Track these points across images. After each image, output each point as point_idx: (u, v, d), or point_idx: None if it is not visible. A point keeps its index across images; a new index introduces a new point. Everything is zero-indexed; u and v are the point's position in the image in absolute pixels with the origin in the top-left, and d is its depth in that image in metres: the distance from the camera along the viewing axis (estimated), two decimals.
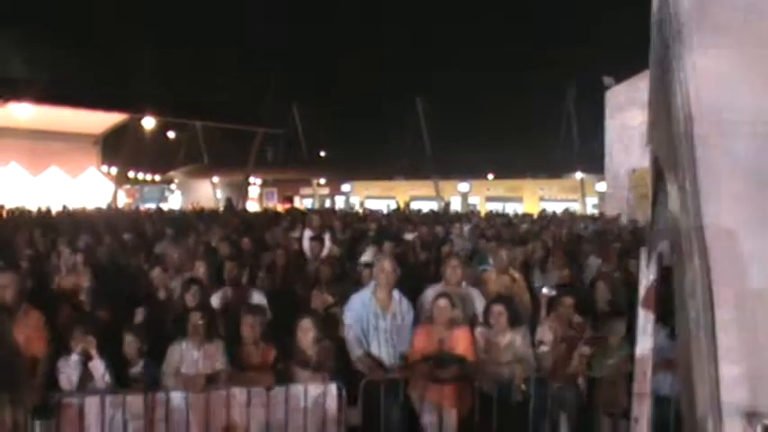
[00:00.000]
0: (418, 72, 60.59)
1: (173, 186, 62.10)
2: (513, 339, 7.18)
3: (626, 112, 29.96)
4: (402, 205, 45.13)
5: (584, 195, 49.24)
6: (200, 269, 9.10)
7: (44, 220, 21.07)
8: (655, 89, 2.62)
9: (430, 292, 7.74)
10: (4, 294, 6.56)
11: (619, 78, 31.96)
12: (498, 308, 7.24)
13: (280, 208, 45.88)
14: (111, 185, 42.64)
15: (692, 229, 1.95)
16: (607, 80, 32.97)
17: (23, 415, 5.34)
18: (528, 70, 55.97)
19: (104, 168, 47.61)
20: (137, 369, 6.68)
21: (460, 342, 6.97)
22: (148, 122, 40.43)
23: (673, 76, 2.04)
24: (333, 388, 6.48)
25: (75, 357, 6.34)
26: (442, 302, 7.08)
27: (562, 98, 52.85)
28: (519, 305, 8.06)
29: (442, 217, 28.08)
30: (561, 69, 51.15)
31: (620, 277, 10.04)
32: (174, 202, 56.40)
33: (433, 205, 46.74)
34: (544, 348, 7.23)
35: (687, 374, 1.93)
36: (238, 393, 6.31)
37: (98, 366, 6.29)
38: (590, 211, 44.83)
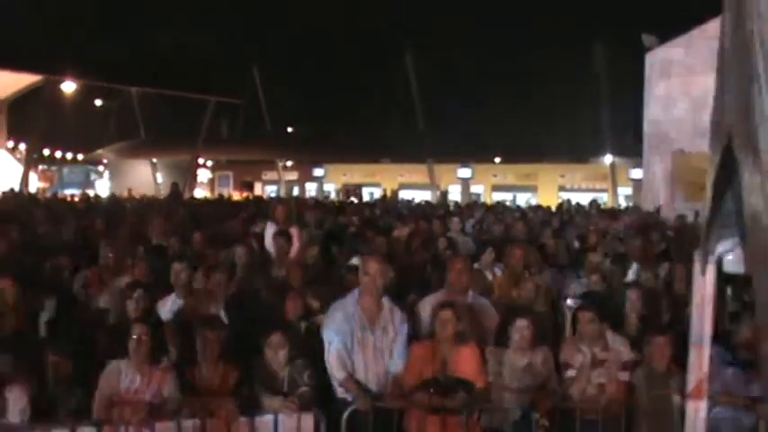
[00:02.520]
0: (410, 31, 60.42)
1: (101, 168, 61.88)
2: (532, 361, 7.21)
3: (673, 80, 29.85)
4: (389, 194, 45.21)
5: (614, 184, 49.36)
6: (141, 271, 9.10)
7: None
8: (730, 41, 2.63)
9: (429, 302, 7.76)
10: None
11: (663, 37, 31.67)
12: (521, 323, 7.26)
13: (236, 196, 45.82)
14: (19, 166, 42.39)
15: None
16: (647, 39, 32.37)
17: None
18: (544, 27, 56.08)
19: (11, 144, 47.27)
20: (59, 396, 6.66)
21: (468, 363, 6.98)
22: (68, 87, 40.26)
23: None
24: (309, 418, 6.50)
25: None
26: (446, 314, 7.08)
27: (589, 61, 52.81)
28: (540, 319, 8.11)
29: (438, 209, 28.12)
30: (587, 25, 51.19)
31: (660, 286, 10.10)
32: (103, 187, 56.21)
33: (428, 195, 46.82)
34: (571, 373, 7.25)
35: None
36: (192, 425, 6.32)
37: (16, 394, 6.25)
38: (622, 203, 44.95)
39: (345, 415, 6.63)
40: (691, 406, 4.36)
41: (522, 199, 46.03)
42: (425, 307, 7.76)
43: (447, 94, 57.22)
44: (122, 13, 54.06)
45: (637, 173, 41.52)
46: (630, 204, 38.07)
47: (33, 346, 7.26)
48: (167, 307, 8.34)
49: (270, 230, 12.84)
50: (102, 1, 50.94)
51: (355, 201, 36.94)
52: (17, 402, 6.24)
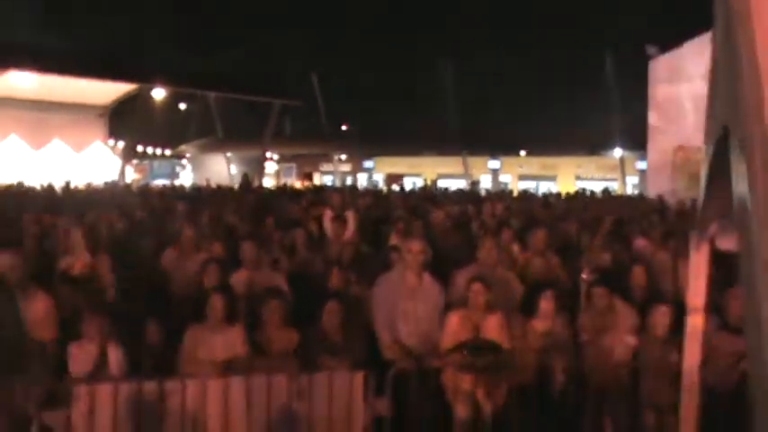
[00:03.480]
0: (448, 42, 60.25)
1: (184, 161, 62.30)
2: (552, 327, 7.17)
3: (672, 84, 29.70)
4: (429, 183, 45.06)
5: (623, 174, 48.91)
6: (217, 249, 9.15)
7: (49, 197, 21.19)
8: (721, 45, 2.59)
9: (463, 275, 7.73)
10: (10, 275, 6.59)
11: (663, 47, 31.60)
12: (545, 294, 7.23)
13: (298, 185, 45.91)
14: (118, 160, 42.76)
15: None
16: (651, 49, 32.54)
17: (33, 402, 5.42)
18: (564, 38, 55.67)
19: (111, 142, 47.70)
20: (152, 354, 6.74)
21: (495, 329, 6.95)
22: (158, 93, 40.55)
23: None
24: (359, 376, 6.49)
25: (88, 343, 6.39)
26: (477, 286, 7.05)
27: (600, 68, 52.34)
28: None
29: (471, 196, 28.00)
30: (600, 37, 50.79)
31: (663, 261, 9.99)
32: (186, 178, 56.62)
33: (462, 183, 46.65)
34: (585, 337, 7.22)
35: (761, 371, 1.93)
36: (259, 380, 6.34)
37: (114, 352, 6.34)
38: (630, 191, 44.55)
39: (391, 373, 6.62)
40: (687, 366, 4.31)
41: (544, 187, 45.57)
42: (459, 280, 7.73)
43: (480, 96, 57.06)
44: (202, 32, 54.48)
45: (642, 164, 41.12)
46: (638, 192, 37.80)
47: (130, 313, 7.36)
48: (239, 279, 8.38)
49: (328, 215, 12.86)
50: (184, 22, 51.25)
51: (397, 188, 36.80)
52: (116, 360, 6.33)
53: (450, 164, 55.76)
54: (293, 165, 64.76)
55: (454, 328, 7.00)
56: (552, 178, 52.94)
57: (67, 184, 28.37)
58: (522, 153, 56.78)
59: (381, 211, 17.29)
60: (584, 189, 34.30)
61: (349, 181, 58.09)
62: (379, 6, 66.04)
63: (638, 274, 8.50)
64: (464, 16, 63.09)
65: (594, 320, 7.29)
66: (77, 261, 9.32)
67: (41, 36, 39.59)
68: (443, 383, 6.98)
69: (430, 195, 26.92)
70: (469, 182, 48.33)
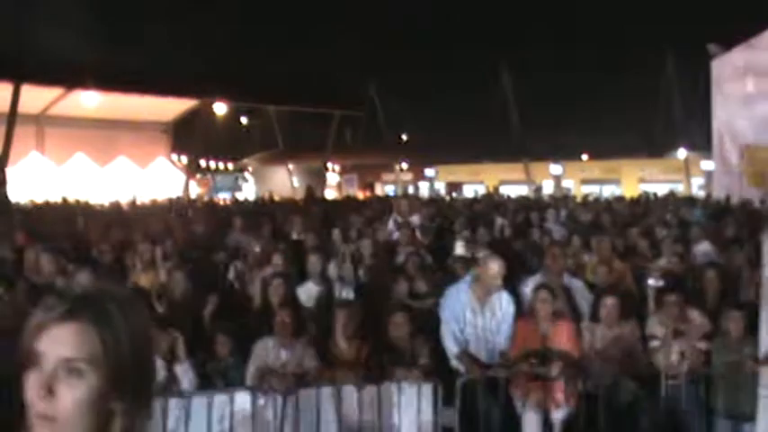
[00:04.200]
0: (505, 48, 60.05)
1: (246, 174, 62.90)
2: (621, 334, 7.10)
3: (736, 83, 29.21)
4: (491, 190, 44.88)
5: (688, 175, 48.11)
6: (279, 261, 9.21)
7: (117, 214, 21.60)
8: None
9: (530, 283, 7.70)
10: None
11: (727, 45, 31.15)
12: (610, 300, 7.17)
13: (360, 195, 46.05)
14: (181, 175, 43.35)
15: None
16: (713, 48, 32.17)
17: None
18: (623, 38, 55.10)
19: (174, 157, 48.32)
20: (222, 368, 6.83)
21: (564, 337, 6.92)
22: (220, 108, 41.03)
23: None
24: (428, 386, 6.51)
25: (159, 360, 6.48)
26: (543, 294, 7.03)
27: (662, 69, 51.61)
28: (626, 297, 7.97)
29: (534, 202, 27.82)
30: (660, 37, 50.16)
31: (734, 265, 9.81)
32: (249, 191, 57.15)
33: (524, 189, 46.35)
34: (655, 344, 7.12)
35: None
36: (329, 392, 6.39)
37: (184, 368, 6.43)
38: (696, 192, 43.81)
39: (459, 383, 6.62)
40: (763, 370, 4.24)
41: (608, 191, 45.03)
42: (527, 288, 7.70)
43: (540, 102, 56.65)
44: (261, 45, 55.11)
45: (708, 164, 40.43)
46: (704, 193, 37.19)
47: (202, 328, 7.47)
48: (306, 292, 8.44)
49: (392, 221, 12.90)
50: (244, 41, 51.90)
51: (455, 195, 36.72)
52: (186, 374, 6.42)
53: (512, 170, 55.38)
54: (354, 175, 64.89)
55: (522, 337, 6.99)
56: (615, 182, 52.27)
57: (134, 199, 28.89)
58: (584, 157, 56.20)
59: (443, 219, 17.28)
60: (646, 192, 33.86)
61: (411, 190, 58.06)
62: (438, 15, 66.09)
63: (710, 279, 8.36)
64: (522, 20, 62.87)
65: (665, 327, 7.19)
66: (148, 276, 9.51)
67: (104, 55, 40.32)
68: (512, 393, 6.94)
69: (493, 203, 26.81)
70: (532, 188, 47.96)
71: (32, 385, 1.58)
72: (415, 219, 13.62)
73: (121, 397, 1.63)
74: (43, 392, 1.57)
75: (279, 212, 19.91)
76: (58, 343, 1.59)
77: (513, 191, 42.79)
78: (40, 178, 33.82)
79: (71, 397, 1.58)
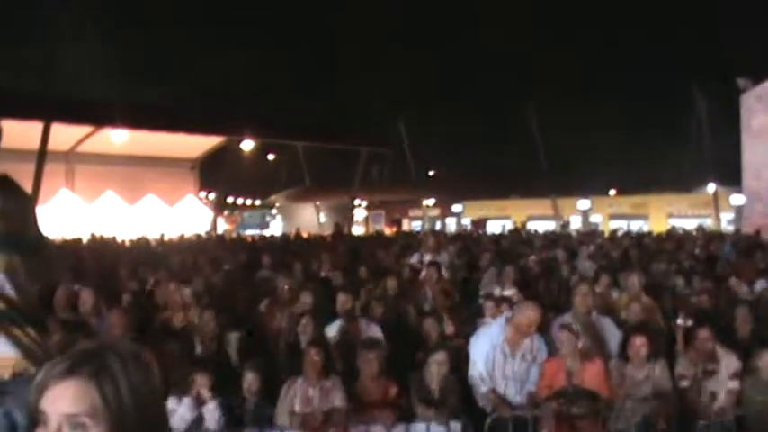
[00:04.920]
0: (533, 83, 60.26)
1: (274, 211, 63.19)
2: (650, 373, 7.07)
3: (765, 116, 29.11)
4: (519, 225, 44.78)
5: (717, 210, 47.82)
6: (307, 300, 9.24)
7: (146, 252, 21.75)
8: None
9: (558, 324, 7.70)
10: (112, 333, 6.79)
11: (755, 80, 31.10)
12: (639, 339, 7.14)
13: (387, 231, 46.10)
14: (209, 212, 43.61)
15: None
16: (742, 83, 32.14)
17: None
18: (651, 74, 55.16)
19: (202, 194, 48.61)
20: (250, 407, 6.85)
21: (593, 375, 6.90)
22: (247, 145, 41.32)
23: None
24: (457, 426, 6.51)
25: (188, 400, 6.52)
26: (565, 335, 7.04)
27: (690, 104, 51.54)
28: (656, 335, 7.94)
29: (562, 237, 27.74)
30: (689, 71, 50.18)
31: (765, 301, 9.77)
32: (276, 227, 57.38)
33: (551, 225, 46.24)
34: (685, 383, 7.09)
35: None
36: (358, 431, 6.41)
37: (212, 409, 6.47)
38: (725, 227, 43.47)
39: (488, 423, 6.62)
40: None
41: (636, 226, 44.79)
42: (555, 328, 7.70)
43: (567, 137, 56.62)
44: (288, 85, 55.63)
45: (737, 199, 40.19)
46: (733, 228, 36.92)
47: (230, 366, 7.51)
48: (334, 331, 8.46)
49: (417, 257, 12.89)
50: (270, 78, 52.39)
51: (479, 232, 36.69)
52: (213, 413, 6.46)
53: (540, 206, 55.33)
54: (382, 211, 65.04)
55: (550, 376, 6.98)
56: (644, 217, 52.05)
57: (162, 237, 29.07)
58: (612, 192, 56.05)
59: (470, 256, 17.26)
60: (674, 227, 33.70)
61: (438, 226, 58.05)
62: (465, 52, 66.49)
63: (741, 316, 8.32)
64: (549, 55, 63.04)
65: (695, 365, 7.16)
66: (177, 315, 9.56)
67: (133, 93, 40.85)
68: None
69: (521, 239, 26.76)
70: (560, 223, 47.82)
71: None
72: (444, 257, 13.62)
73: None
74: None
75: (307, 249, 19.98)
76: (60, 400, 1.65)
77: (540, 226, 42.70)
78: (69, 216, 34.10)
79: None
